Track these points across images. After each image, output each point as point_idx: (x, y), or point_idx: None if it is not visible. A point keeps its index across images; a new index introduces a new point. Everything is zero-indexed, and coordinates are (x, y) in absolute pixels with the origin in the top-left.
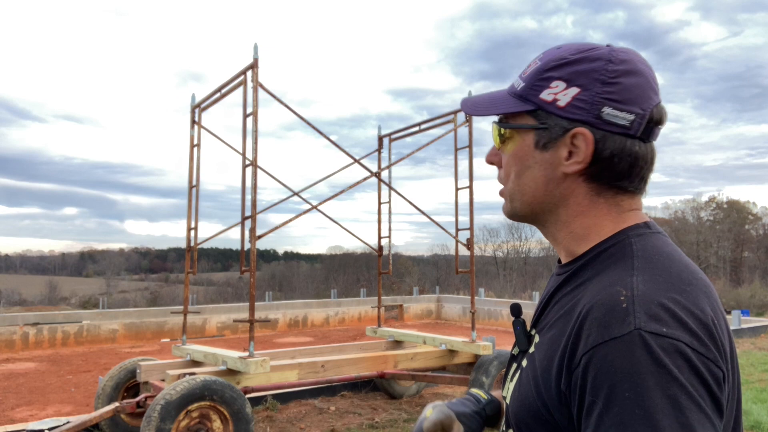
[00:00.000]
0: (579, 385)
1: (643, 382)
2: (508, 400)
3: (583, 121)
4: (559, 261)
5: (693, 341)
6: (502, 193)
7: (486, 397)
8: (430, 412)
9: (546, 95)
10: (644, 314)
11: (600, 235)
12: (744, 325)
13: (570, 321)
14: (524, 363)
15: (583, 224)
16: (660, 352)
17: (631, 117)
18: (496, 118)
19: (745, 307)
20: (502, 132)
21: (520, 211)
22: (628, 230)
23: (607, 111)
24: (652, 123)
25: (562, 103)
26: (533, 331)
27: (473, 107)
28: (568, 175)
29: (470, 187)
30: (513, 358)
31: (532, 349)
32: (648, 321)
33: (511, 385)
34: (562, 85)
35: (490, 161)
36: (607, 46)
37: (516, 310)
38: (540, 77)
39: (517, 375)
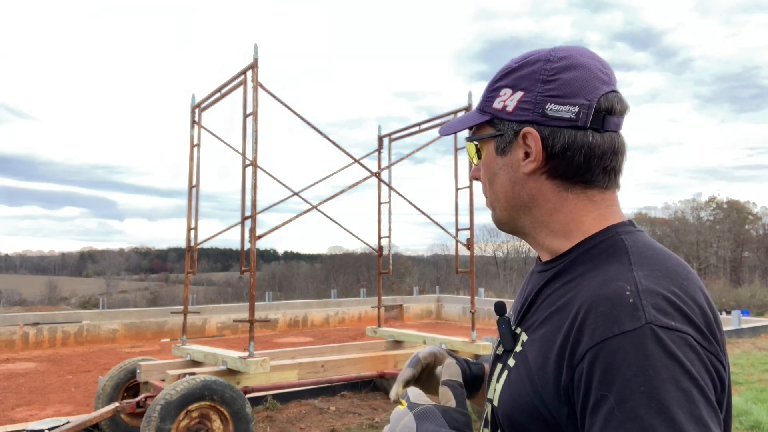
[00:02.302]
0: (584, 380)
1: (657, 375)
2: (495, 402)
3: (530, 121)
4: (539, 259)
5: (698, 335)
6: (488, 206)
7: (471, 360)
8: (424, 347)
9: (497, 103)
10: (653, 308)
11: (582, 231)
12: (744, 325)
13: (566, 317)
14: (511, 362)
15: (560, 221)
16: (672, 346)
17: (575, 109)
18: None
19: (745, 307)
20: (477, 146)
21: (501, 218)
22: (616, 227)
23: (551, 107)
24: (601, 112)
25: (510, 108)
26: (518, 330)
27: (446, 129)
28: (529, 175)
29: (470, 187)
30: (497, 358)
31: (519, 348)
32: (657, 315)
33: (498, 387)
34: (508, 91)
35: (474, 177)
36: (552, 48)
37: (500, 308)
38: (492, 88)
39: (505, 375)
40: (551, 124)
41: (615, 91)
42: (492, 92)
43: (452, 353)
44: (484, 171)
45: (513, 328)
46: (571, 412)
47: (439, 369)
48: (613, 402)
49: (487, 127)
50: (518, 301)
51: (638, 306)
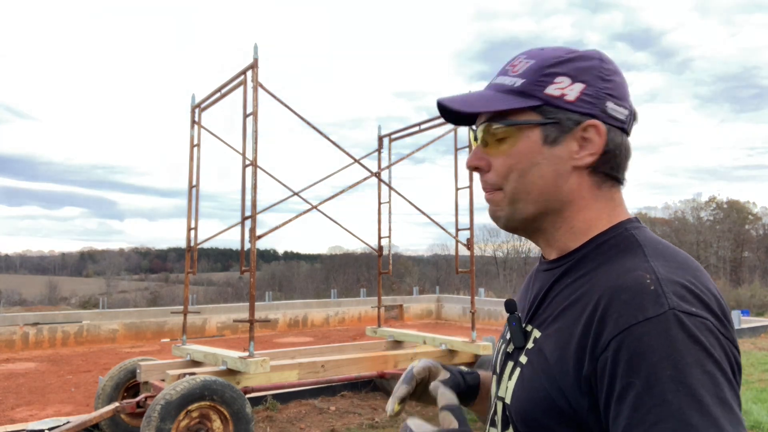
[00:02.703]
0: (609, 368)
1: (682, 359)
2: (508, 400)
3: (591, 114)
4: (542, 258)
5: (716, 321)
6: (493, 199)
7: (465, 369)
8: (418, 362)
9: (553, 90)
10: (674, 295)
11: (597, 228)
12: (744, 325)
13: (584, 308)
14: (523, 359)
15: (585, 218)
16: (695, 330)
17: (626, 112)
18: (482, 120)
19: (745, 307)
20: (495, 132)
21: (524, 212)
22: (625, 223)
23: (610, 105)
24: (635, 119)
25: (570, 97)
26: (529, 327)
27: (464, 103)
28: (576, 168)
29: (470, 187)
30: (508, 356)
31: (530, 345)
32: (679, 301)
33: (510, 384)
34: (567, 80)
35: (475, 165)
36: (593, 49)
37: (511, 306)
38: (544, 73)
39: (517, 372)
40: (608, 121)
41: None
42: (544, 77)
43: (447, 366)
44: (514, 160)
45: (524, 325)
46: (592, 402)
47: (433, 384)
48: (641, 388)
49: (528, 112)
50: (524, 301)
51: (660, 293)
